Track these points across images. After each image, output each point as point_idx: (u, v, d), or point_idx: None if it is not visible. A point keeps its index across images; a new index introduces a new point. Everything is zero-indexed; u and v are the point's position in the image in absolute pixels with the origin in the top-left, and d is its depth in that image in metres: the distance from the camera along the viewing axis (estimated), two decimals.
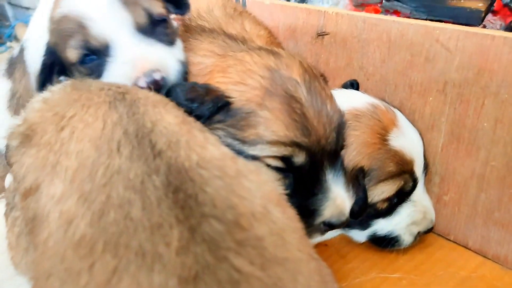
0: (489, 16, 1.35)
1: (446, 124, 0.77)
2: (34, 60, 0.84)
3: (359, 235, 0.79)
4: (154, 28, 0.65)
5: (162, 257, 0.40)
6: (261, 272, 0.41)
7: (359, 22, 0.84)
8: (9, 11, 2.98)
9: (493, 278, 0.75)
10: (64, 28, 0.63)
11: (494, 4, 1.36)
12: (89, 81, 0.60)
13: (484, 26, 1.34)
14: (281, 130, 0.58)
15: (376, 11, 1.42)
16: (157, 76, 0.61)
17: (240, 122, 0.60)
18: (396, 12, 1.37)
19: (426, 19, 1.30)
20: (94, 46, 0.62)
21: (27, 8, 2.72)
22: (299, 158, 0.59)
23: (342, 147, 0.63)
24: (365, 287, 0.73)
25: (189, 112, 0.59)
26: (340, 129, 0.62)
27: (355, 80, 0.85)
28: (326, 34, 0.90)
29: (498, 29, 1.37)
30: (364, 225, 0.77)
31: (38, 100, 0.60)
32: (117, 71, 0.62)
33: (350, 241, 0.82)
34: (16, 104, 0.93)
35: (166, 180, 0.46)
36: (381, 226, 0.77)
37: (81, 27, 0.62)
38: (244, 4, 1.04)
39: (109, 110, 0.53)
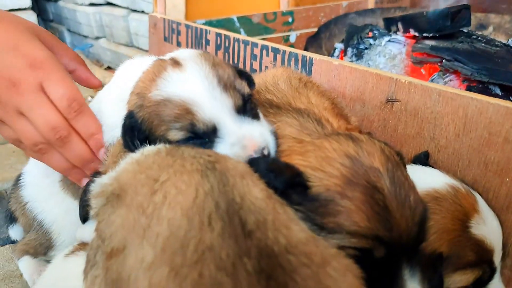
0: None
1: None
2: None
3: None
4: (245, 106, 0.69)
5: None
6: None
7: (433, 94, 0.83)
8: (67, 37, 3.14)
9: None
10: (165, 110, 0.66)
11: None
12: (182, 147, 0.62)
13: None
14: (363, 222, 0.58)
15: (435, 70, 1.41)
16: (265, 152, 0.65)
17: (319, 209, 0.60)
18: (457, 73, 1.35)
19: (487, 82, 1.29)
20: (200, 130, 0.66)
21: (85, 37, 2.85)
22: (378, 252, 0.58)
23: (421, 242, 0.62)
24: None
25: (268, 183, 0.60)
26: (422, 223, 0.61)
27: (427, 152, 0.84)
28: (397, 101, 0.90)
29: None
30: None
31: (130, 162, 0.62)
32: (227, 151, 0.65)
33: None
34: None
35: (258, 265, 0.46)
36: None
37: (187, 112, 0.65)
38: (310, 69, 1.05)
39: (201, 179, 0.55)
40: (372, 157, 0.62)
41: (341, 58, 1.62)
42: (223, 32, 1.35)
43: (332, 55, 1.67)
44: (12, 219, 1.05)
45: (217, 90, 0.67)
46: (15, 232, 1.05)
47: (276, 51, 1.16)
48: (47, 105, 0.80)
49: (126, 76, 0.84)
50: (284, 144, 0.71)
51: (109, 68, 2.56)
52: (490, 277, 0.73)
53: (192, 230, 0.49)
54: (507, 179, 0.75)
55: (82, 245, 0.75)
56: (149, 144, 0.67)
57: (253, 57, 1.24)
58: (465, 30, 1.56)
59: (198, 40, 1.47)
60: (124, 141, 0.70)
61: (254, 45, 1.23)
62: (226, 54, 1.34)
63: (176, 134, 0.67)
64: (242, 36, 1.30)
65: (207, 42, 1.43)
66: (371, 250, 0.59)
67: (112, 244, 0.55)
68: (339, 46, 1.88)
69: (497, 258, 0.73)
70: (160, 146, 0.65)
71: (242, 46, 1.27)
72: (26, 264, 1.00)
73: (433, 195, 0.72)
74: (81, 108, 0.81)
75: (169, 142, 0.67)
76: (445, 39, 1.49)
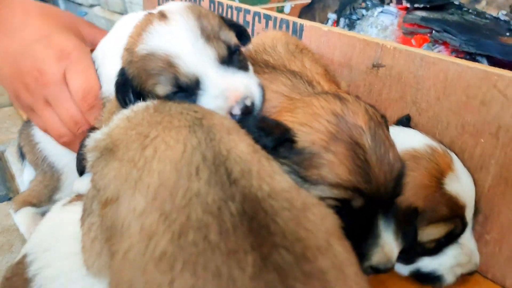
0: None
1: (495, 166, 0.79)
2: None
3: (403, 269, 0.82)
4: (232, 57, 0.69)
5: (237, 281, 0.44)
6: None
7: (416, 59, 0.86)
8: (62, 5, 3.12)
9: None
10: (150, 65, 0.67)
11: None
12: (168, 103, 0.65)
13: None
14: (344, 174, 0.62)
15: (425, 41, 1.44)
16: (248, 103, 0.66)
17: (304, 162, 0.64)
18: (445, 44, 1.38)
19: (475, 53, 1.31)
20: (184, 83, 0.66)
21: (80, 4, 2.83)
22: (357, 203, 0.63)
23: (397, 196, 0.67)
24: None
25: (256, 140, 0.63)
26: (399, 178, 0.65)
27: (409, 115, 0.88)
28: (382, 66, 0.93)
29: None
30: (409, 261, 0.80)
31: (122, 118, 0.65)
32: (210, 104, 0.66)
33: None
34: None
35: (242, 208, 0.50)
36: (426, 264, 0.79)
37: (170, 66, 0.66)
38: (301, 35, 1.07)
39: (189, 135, 0.58)
40: (356, 115, 0.66)
41: None
42: None
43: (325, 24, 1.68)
44: (22, 155, 1.08)
45: (200, 42, 0.67)
46: (28, 171, 1.08)
47: (268, 17, 1.18)
48: (70, 99, 0.85)
49: (122, 29, 0.85)
50: (276, 100, 0.74)
51: None
52: (462, 231, 0.78)
53: (181, 180, 0.52)
54: (482, 140, 0.79)
55: (79, 197, 0.79)
56: (142, 100, 0.70)
57: (246, 23, 1.26)
58: (456, 2, 1.58)
59: None
60: (117, 98, 0.73)
61: (247, 11, 1.25)
62: None
63: (162, 89, 0.68)
64: (235, 2, 1.31)
65: None
66: (350, 200, 0.63)
67: (107, 195, 0.59)
68: (332, 16, 1.89)
69: (469, 214, 0.78)
70: (148, 102, 0.67)
71: (235, 12, 1.29)
72: (23, 216, 1.03)
73: (412, 154, 0.76)
74: (95, 101, 0.85)
75: (158, 97, 0.69)
76: (436, 11, 1.51)
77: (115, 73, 0.81)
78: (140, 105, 0.67)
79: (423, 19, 1.45)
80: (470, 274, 0.81)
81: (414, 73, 0.88)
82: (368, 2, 1.70)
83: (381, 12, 1.64)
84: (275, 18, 1.15)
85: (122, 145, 0.61)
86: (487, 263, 0.84)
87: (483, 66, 0.78)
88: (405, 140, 0.78)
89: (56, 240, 0.70)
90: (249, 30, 1.24)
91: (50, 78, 0.84)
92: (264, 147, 0.63)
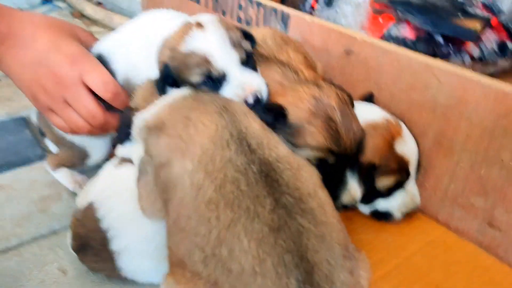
0: (488, 31, 1.60)
1: (432, 133, 1.06)
2: (121, 69, 1.06)
3: (364, 209, 1.09)
4: (248, 60, 0.92)
5: (260, 214, 0.66)
6: (314, 228, 0.67)
7: (378, 49, 1.11)
8: None
9: (452, 243, 1.06)
10: (190, 60, 0.88)
11: (492, 21, 1.60)
12: (200, 94, 0.88)
13: (481, 40, 1.60)
14: (322, 140, 0.87)
15: (391, 19, 1.67)
16: (259, 95, 0.89)
17: (293, 132, 0.88)
18: (408, 22, 1.61)
19: (431, 32, 1.56)
20: (214, 75, 0.88)
21: None
22: (331, 160, 0.88)
23: (359, 154, 0.93)
24: (362, 242, 1.02)
25: (261, 117, 0.86)
26: (360, 142, 0.91)
27: (372, 93, 1.14)
28: (352, 53, 1.18)
29: (492, 44, 1.62)
30: (369, 202, 1.07)
31: (165, 104, 0.87)
32: (231, 91, 0.88)
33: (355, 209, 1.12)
34: None
35: (260, 168, 0.73)
36: (381, 205, 1.06)
37: (206, 62, 0.87)
38: (287, 23, 1.29)
39: (218, 117, 0.79)
40: (330, 98, 0.90)
41: (313, 5, 1.84)
42: None
43: (305, 1, 1.87)
44: (42, 134, 1.22)
45: (228, 47, 0.89)
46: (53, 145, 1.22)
47: (259, 4, 1.39)
48: (87, 97, 0.98)
49: (154, 29, 1.03)
50: (271, 85, 0.96)
51: (99, 3, 2.64)
52: (406, 180, 1.06)
53: (217, 150, 0.75)
54: (423, 113, 1.07)
55: (124, 160, 1.01)
56: (175, 86, 0.91)
57: (239, 7, 1.46)
58: None
59: None
60: (158, 86, 0.93)
61: None
62: (216, 2, 1.55)
63: (196, 78, 0.89)
64: None
65: None
66: (326, 159, 0.88)
67: (160, 160, 0.80)
68: None
69: (412, 168, 1.05)
70: (184, 92, 0.89)
71: None
72: (63, 175, 1.19)
73: (372, 124, 1.02)
74: (116, 88, 0.99)
75: (190, 83, 0.90)
76: None
77: (141, 60, 1.02)
78: (177, 94, 0.89)
79: (389, 0, 1.67)
80: (413, 211, 1.10)
81: (376, 60, 1.13)
82: None
83: None
84: (265, 6, 1.37)
85: (169, 124, 0.82)
86: (425, 203, 1.12)
87: (426, 58, 1.04)
88: (368, 113, 1.04)
89: (115, 191, 0.92)
90: (243, 13, 1.45)
91: (69, 81, 0.96)
92: (267, 122, 0.87)
